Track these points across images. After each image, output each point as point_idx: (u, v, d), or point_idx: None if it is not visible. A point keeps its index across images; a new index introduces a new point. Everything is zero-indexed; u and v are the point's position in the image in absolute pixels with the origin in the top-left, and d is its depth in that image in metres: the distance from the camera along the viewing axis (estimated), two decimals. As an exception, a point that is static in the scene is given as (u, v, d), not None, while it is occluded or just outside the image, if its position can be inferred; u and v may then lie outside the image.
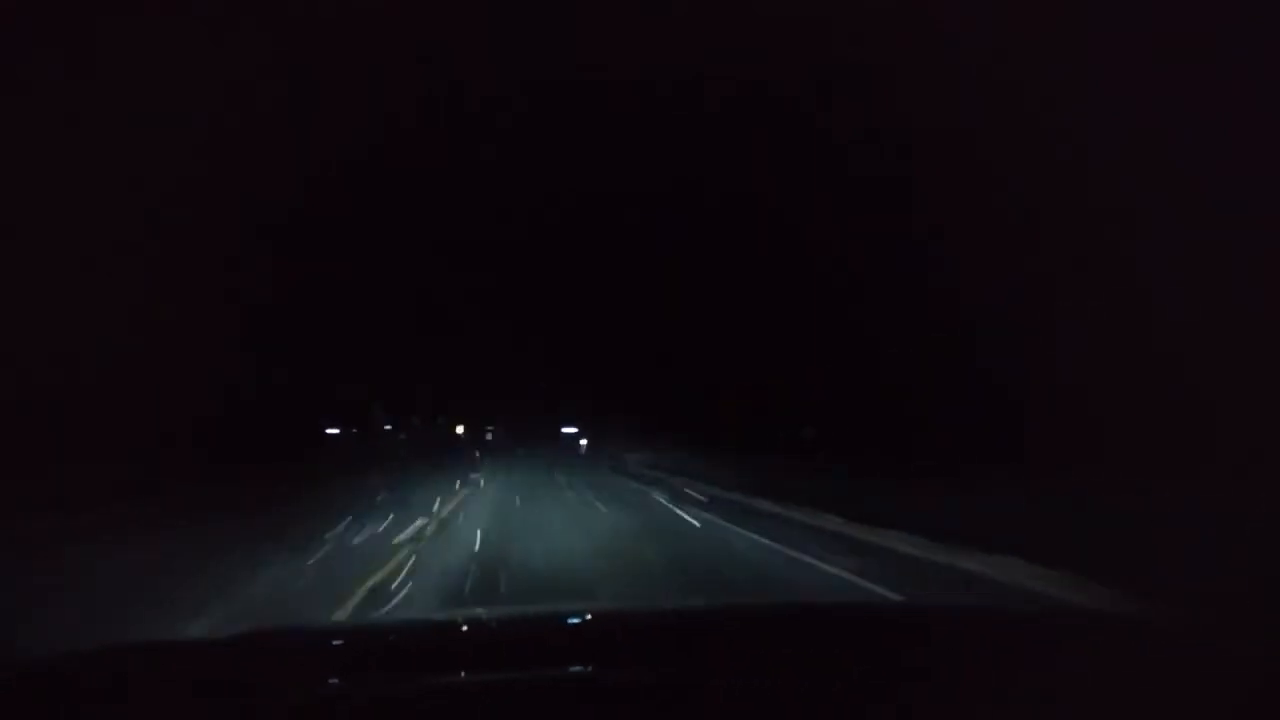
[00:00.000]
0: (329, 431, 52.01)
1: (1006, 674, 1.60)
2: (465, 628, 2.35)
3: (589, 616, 2.50)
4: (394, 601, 7.35)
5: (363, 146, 33.92)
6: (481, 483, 24.39)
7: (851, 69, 24.58)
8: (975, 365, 20.04)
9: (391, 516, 13.90)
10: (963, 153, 20.97)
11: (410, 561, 9.44)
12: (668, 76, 33.45)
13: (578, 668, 1.81)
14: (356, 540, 11.24)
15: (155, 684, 1.60)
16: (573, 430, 70.76)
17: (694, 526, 13.87)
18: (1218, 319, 14.08)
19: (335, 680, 1.71)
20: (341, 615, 6.78)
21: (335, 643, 2.15)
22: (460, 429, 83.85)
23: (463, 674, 1.69)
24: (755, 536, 12.18)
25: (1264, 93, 14.11)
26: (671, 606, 4.04)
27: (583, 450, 56.97)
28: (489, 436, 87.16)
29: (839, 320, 29.21)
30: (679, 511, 16.12)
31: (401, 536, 11.59)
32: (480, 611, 3.40)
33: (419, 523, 13.22)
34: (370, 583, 8.11)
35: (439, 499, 17.86)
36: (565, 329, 74.22)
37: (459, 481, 23.55)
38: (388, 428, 64.94)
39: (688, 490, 21.32)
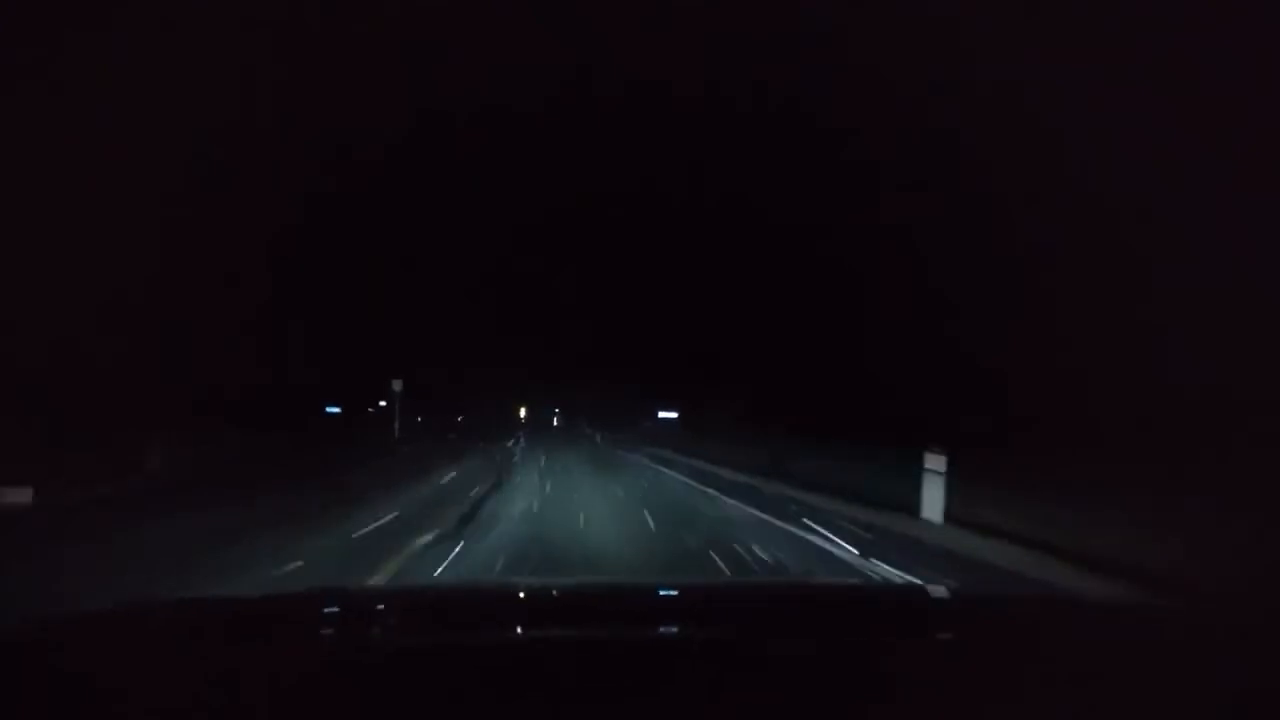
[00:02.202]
0: (330, 410, 49.92)
1: (1015, 663, 1.60)
2: (522, 594, 2.39)
3: (629, 588, 2.53)
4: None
5: (362, 146, 33.99)
6: None
7: (851, 69, 24.60)
8: (975, 365, 20.01)
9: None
10: (963, 152, 20.98)
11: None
12: (668, 77, 33.54)
13: (611, 630, 1.84)
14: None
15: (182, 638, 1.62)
16: (672, 415, 49.94)
17: None
18: (1218, 320, 14.08)
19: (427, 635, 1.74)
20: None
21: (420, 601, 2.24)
22: (523, 411, 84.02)
23: (519, 629, 1.73)
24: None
25: (1264, 93, 14.12)
26: (695, 581, 4.08)
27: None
28: (556, 421, 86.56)
29: (838, 319, 29.19)
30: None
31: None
32: (535, 581, 3.43)
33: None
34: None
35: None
36: (553, 328, 74.26)
37: None
38: (382, 404, 61.56)
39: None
